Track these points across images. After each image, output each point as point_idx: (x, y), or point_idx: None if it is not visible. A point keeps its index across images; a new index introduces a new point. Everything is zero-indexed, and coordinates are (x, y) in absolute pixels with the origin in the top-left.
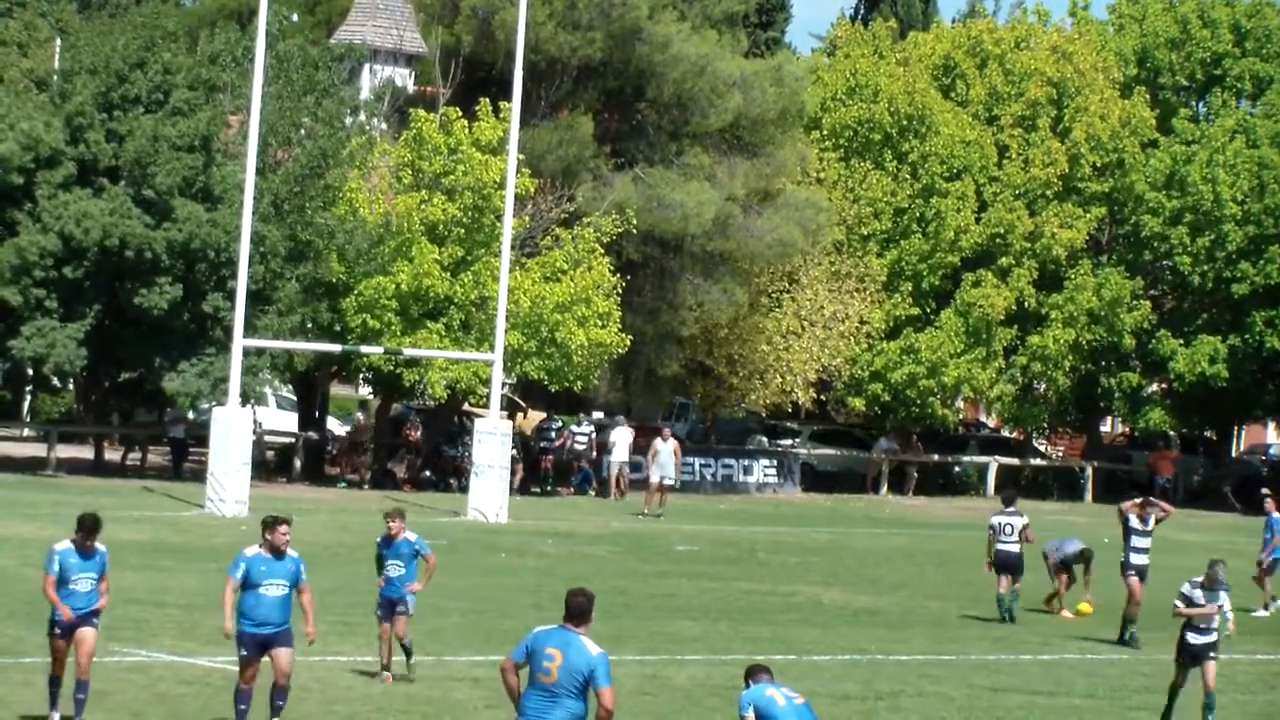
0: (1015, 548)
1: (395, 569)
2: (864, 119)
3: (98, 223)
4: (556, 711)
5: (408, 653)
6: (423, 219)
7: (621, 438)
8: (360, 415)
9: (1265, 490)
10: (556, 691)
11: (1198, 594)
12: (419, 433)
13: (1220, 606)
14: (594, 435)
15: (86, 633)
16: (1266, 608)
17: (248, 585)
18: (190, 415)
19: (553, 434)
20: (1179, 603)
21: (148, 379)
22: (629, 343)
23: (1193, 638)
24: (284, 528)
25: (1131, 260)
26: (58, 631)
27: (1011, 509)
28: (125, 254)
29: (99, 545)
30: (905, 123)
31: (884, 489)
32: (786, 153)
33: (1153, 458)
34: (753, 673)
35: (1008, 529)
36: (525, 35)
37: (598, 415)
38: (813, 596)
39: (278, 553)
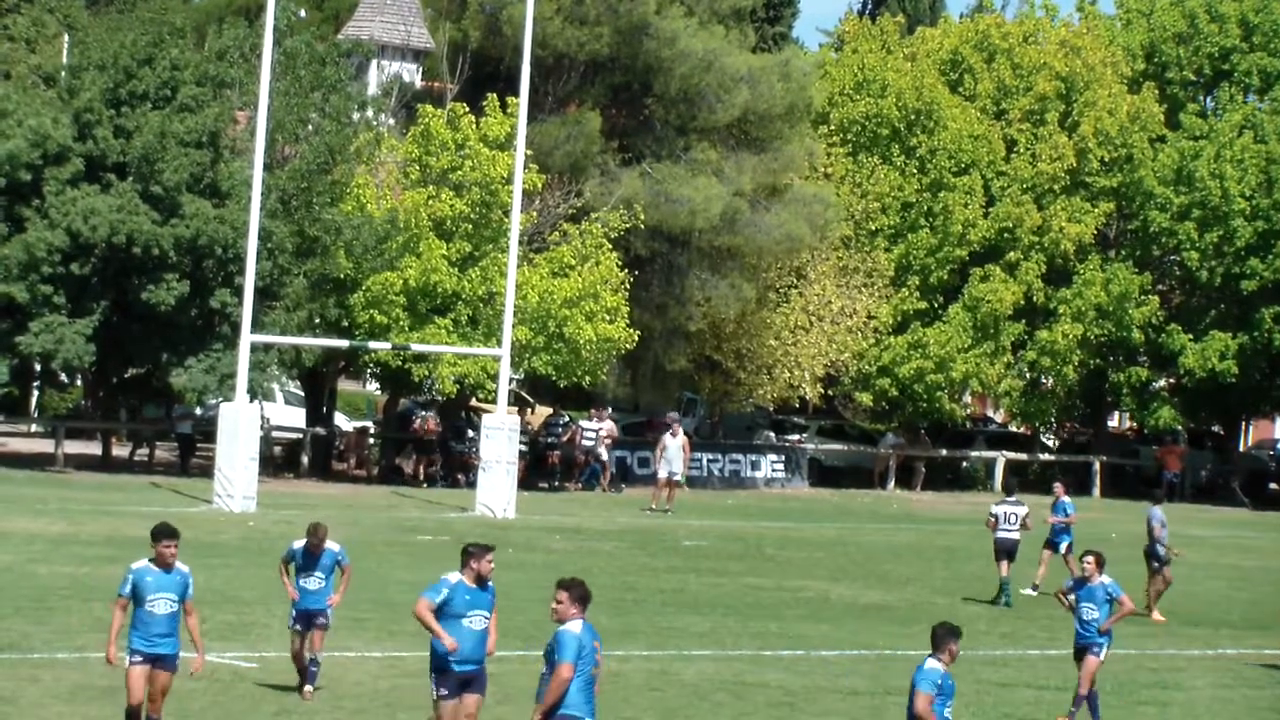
0: (1015, 534)
1: (316, 582)
2: (872, 114)
3: (105, 219)
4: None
5: (314, 666)
6: (430, 214)
7: (674, 445)
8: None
9: (1057, 483)
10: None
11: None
12: (435, 427)
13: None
14: (601, 432)
15: (162, 675)
16: (1035, 588)
17: (450, 615)
18: (198, 411)
19: (559, 429)
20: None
21: (155, 375)
22: (637, 338)
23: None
24: (491, 555)
25: (1140, 255)
26: (136, 659)
27: (1013, 498)
28: (133, 250)
29: (181, 565)
30: (913, 117)
31: (891, 484)
32: (794, 148)
33: (1160, 452)
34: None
35: (1011, 517)
36: (533, 30)
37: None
38: (820, 592)
39: (482, 582)
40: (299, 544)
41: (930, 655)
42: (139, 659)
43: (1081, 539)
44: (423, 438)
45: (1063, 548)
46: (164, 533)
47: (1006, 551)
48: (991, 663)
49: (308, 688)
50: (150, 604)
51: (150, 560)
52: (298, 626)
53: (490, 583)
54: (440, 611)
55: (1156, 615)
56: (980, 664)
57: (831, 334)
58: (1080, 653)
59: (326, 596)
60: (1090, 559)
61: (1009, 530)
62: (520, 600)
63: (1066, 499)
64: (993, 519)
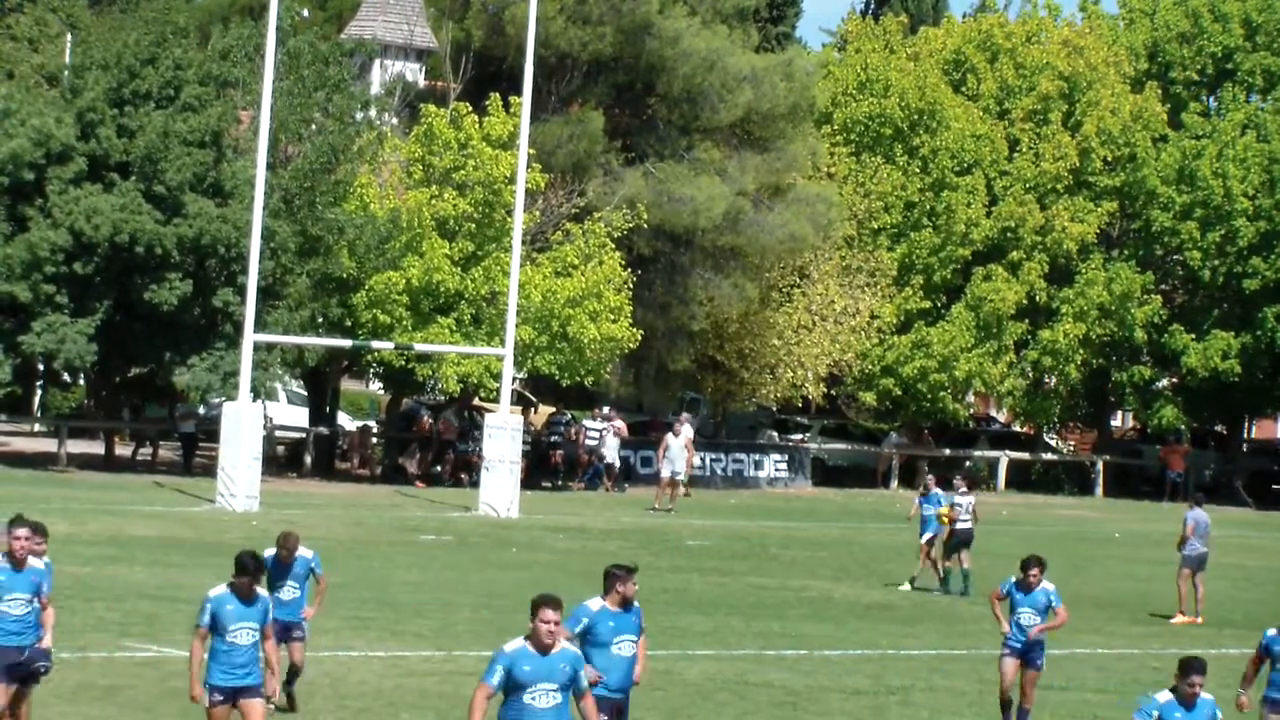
0: (970, 524)
1: (290, 591)
2: (875, 113)
3: (108, 218)
4: None
5: (294, 676)
6: (433, 214)
7: (676, 445)
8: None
9: (929, 475)
10: None
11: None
12: (440, 425)
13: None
14: (604, 432)
15: (254, 705)
16: (912, 582)
17: (595, 644)
18: (201, 410)
19: (562, 428)
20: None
21: (158, 374)
22: (640, 337)
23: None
24: (635, 577)
25: (1142, 255)
26: (218, 698)
27: (964, 490)
28: (136, 249)
29: (260, 590)
30: (916, 117)
31: (894, 484)
32: (797, 147)
33: (1164, 452)
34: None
35: (968, 508)
36: (536, 30)
37: (606, 409)
38: (824, 591)
39: (627, 605)
40: (269, 553)
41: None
42: (220, 697)
43: (1083, 539)
44: (442, 438)
45: (924, 538)
46: (249, 567)
47: (965, 542)
48: (992, 662)
49: (275, 685)
50: (232, 635)
51: (228, 587)
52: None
53: (636, 605)
54: (583, 641)
55: (1185, 616)
56: (983, 663)
57: (834, 333)
58: (1019, 655)
59: (301, 607)
60: (1035, 568)
61: (966, 521)
62: (523, 600)
63: (939, 490)
64: (957, 508)
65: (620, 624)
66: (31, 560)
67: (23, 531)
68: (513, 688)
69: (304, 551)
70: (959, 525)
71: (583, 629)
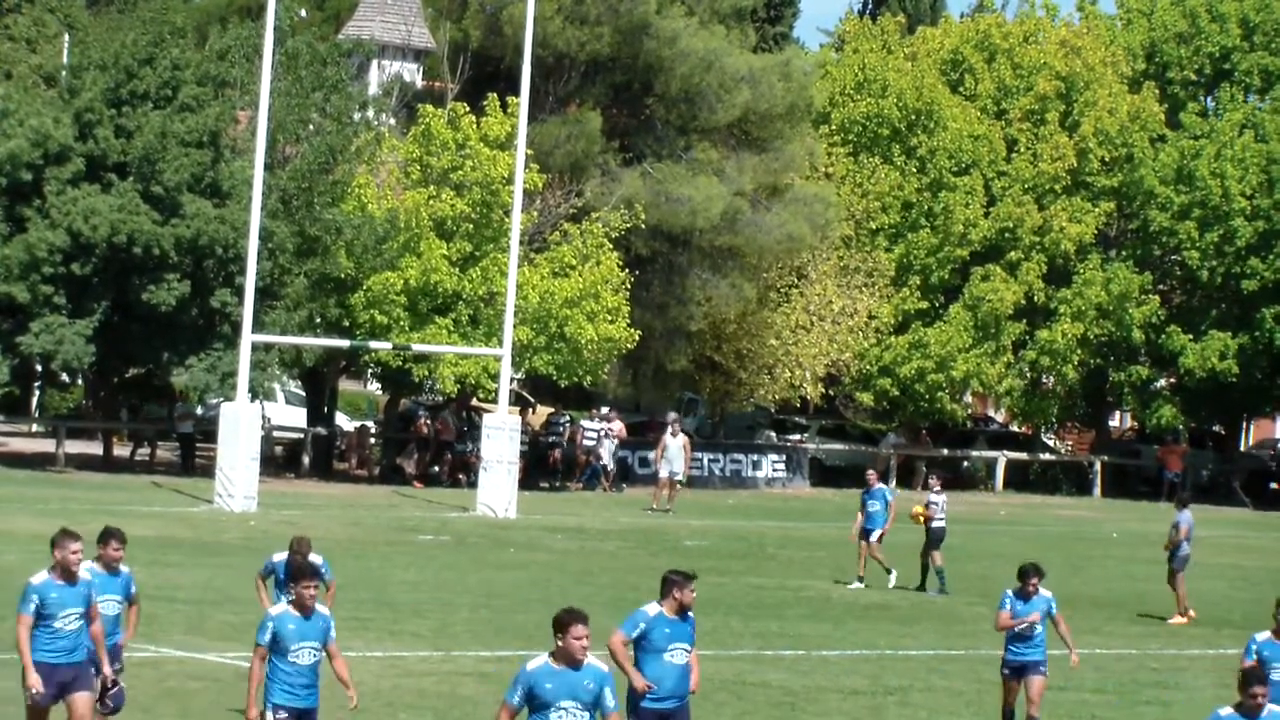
0: (944, 523)
1: None
2: (872, 114)
3: (106, 219)
4: None
5: None
6: (431, 214)
7: (675, 445)
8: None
9: (871, 471)
10: None
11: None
12: (437, 426)
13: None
14: (601, 433)
15: None
16: (862, 580)
17: (649, 650)
18: (199, 410)
19: (560, 429)
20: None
21: (156, 375)
22: (637, 338)
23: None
24: (694, 584)
25: (1140, 255)
26: (282, 714)
27: (938, 489)
28: (133, 250)
29: (321, 606)
30: (913, 117)
31: (893, 484)
32: (795, 148)
33: (1161, 452)
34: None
35: (943, 507)
36: (533, 30)
37: (605, 410)
38: (822, 591)
39: (683, 613)
40: (279, 557)
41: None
42: (285, 715)
43: (1081, 539)
44: (440, 439)
45: (874, 536)
46: (308, 572)
47: (939, 540)
48: (993, 662)
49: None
50: (294, 654)
51: (289, 603)
52: None
53: (691, 614)
54: (637, 647)
55: (1184, 617)
56: (981, 664)
57: (832, 334)
58: (1019, 671)
59: None
60: (1035, 577)
61: (940, 520)
62: (521, 600)
63: (882, 485)
64: (933, 506)
65: (676, 631)
66: (83, 573)
67: (76, 545)
68: (536, 706)
69: (314, 557)
70: (934, 524)
71: (639, 634)
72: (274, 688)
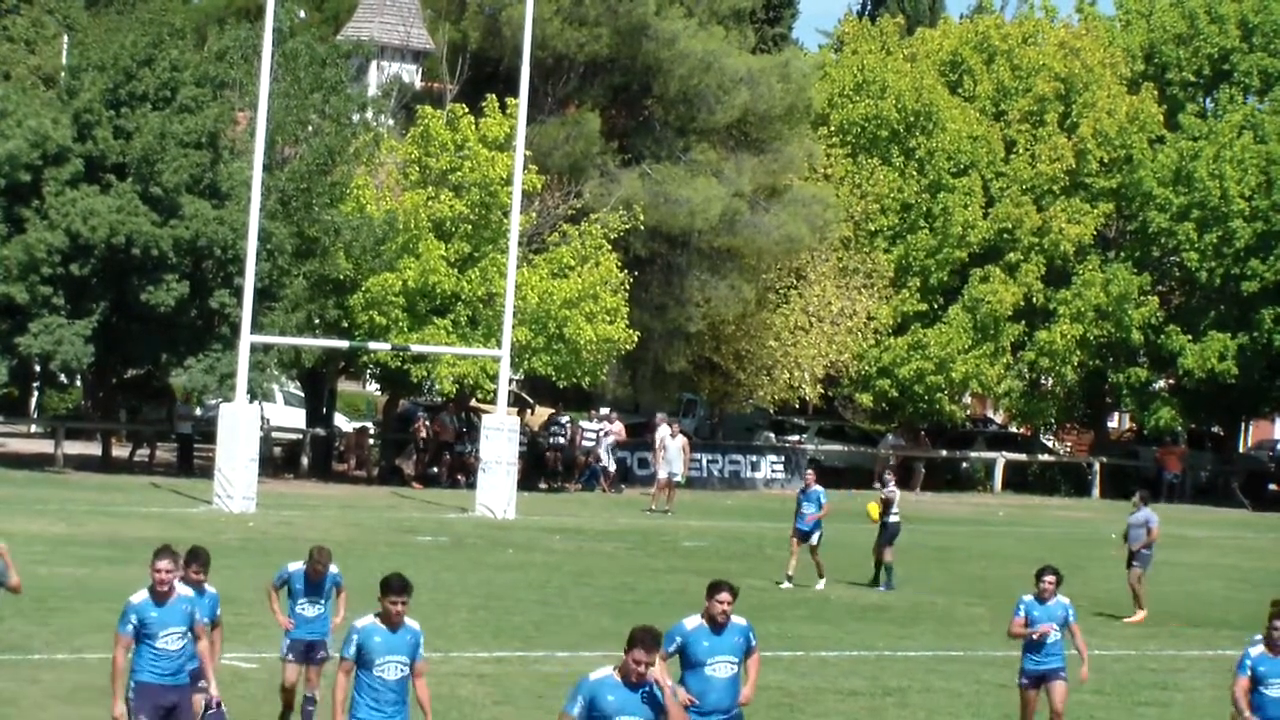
0: (899, 519)
1: (316, 608)
2: (871, 115)
3: (105, 220)
4: None
5: (310, 705)
6: (430, 215)
7: (674, 446)
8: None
9: (810, 469)
10: None
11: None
12: (435, 427)
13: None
14: (601, 434)
15: None
16: (790, 579)
17: (691, 664)
18: (198, 411)
19: (561, 430)
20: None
21: (155, 375)
22: (636, 339)
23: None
24: (724, 594)
25: (1139, 256)
26: None
27: (892, 485)
28: (132, 251)
29: (411, 621)
30: (912, 118)
31: (891, 485)
32: (794, 149)
33: (1160, 453)
34: None
35: (897, 502)
36: (532, 31)
37: (605, 411)
38: (820, 593)
39: (723, 623)
40: (294, 567)
41: None
42: None
43: (1080, 540)
44: (439, 440)
45: (814, 539)
46: (396, 587)
47: (894, 536)
48: (991, 663)
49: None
50: (379, 668)
51: (376, 615)
52: (290, 656)
53: (740, 623)
54: (681, 661)
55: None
56: (980, 665)
57: (831, 335)
58: (1039, 680)
59: (326, 624)
60: (1050, 576)
61: (895, 515)
62: (520, 601)
63: (818, 488)
64: (889, 502)
65: (716, 644)
66: (180, 589)
67: (163, 564)
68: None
69: (332, 566)
70: (889, 519)
71: (676, 648)
72: (359, 703)
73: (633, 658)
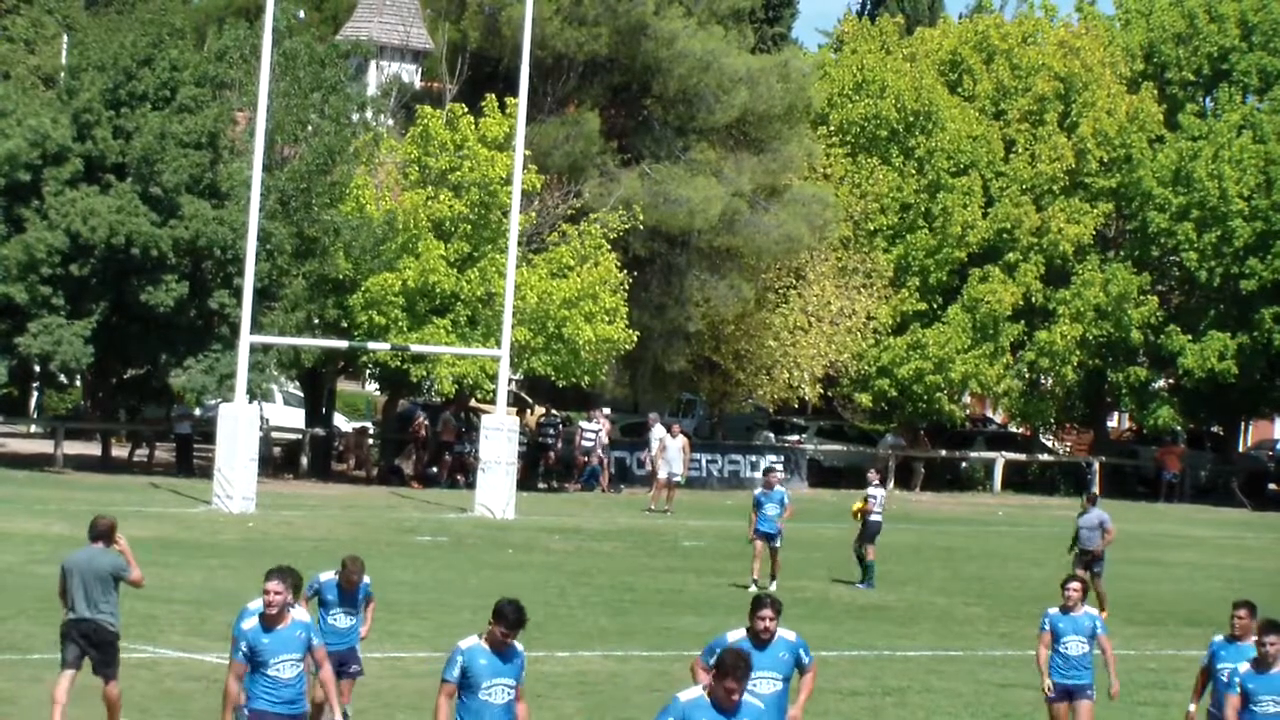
0: (881, 518)
1: (347, 618)
2: (871, 114)
3: (104, 220)
4: None
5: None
6: (429, 215)
7: (674, 446)
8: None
9: (773, 467)
10: None
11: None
12: (440, 426)
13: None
14: (599, 434)
15: None
16: (756, 583)
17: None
18: (197, 411)
19: (553, 430)
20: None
21: (154, 375)
22: (636, 338)
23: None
24: (765, 611)
25: (1139, 256)
26: None
27: (876, 483)
28: (132, 251)
29: (517, 643)
30: (912, 118)
31: (890, 484)
32: (793, 148)
33: (1160, 453)
34: None
35: (882, 500)
36: (532, 31)
37: (607, 410)
38: (819, 592)
39: (765, 639)
40: (326, 577)
41: None
42: None
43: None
44: (439, 440)
45: (777, 542)
46: (511, 620)
47: (874, 534)
48: (991, 663)
49: None
50: (485, 692)
51: (481, 638)
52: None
53: (786, 638)
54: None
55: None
56: (979, 665)
57: (830, 335)
58: (1067, 694)
59: (356, 635)
60: (1075, 585)
61: (878, 514)
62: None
63: (781, 489)
64: (871, 500)
65: (758, 660)
66: (296, 613)
67: (273, 585)
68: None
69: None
70: (871, 518)
71: (716, 660)
72: None
73: (726, 686)
